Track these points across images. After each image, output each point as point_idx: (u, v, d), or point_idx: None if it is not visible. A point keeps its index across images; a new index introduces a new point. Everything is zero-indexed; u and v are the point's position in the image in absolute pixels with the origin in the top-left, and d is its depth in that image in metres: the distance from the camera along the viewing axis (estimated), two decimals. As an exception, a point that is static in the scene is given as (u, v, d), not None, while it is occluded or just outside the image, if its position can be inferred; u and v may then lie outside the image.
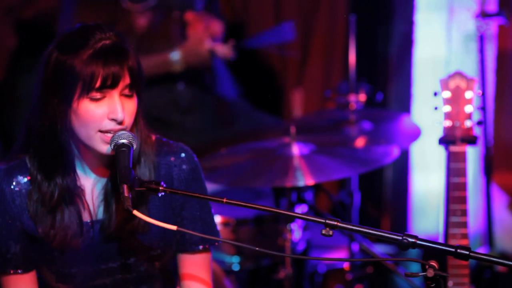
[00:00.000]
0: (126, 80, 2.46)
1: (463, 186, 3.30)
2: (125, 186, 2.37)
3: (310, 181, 3.50)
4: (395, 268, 3.92)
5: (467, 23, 4.91)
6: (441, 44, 4.97)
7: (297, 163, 3.57)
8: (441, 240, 3.47)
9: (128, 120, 2.48)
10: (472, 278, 3.57)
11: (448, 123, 3.35)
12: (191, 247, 2.70)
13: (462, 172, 3.30)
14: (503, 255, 4.90)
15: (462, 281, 3.25)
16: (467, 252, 2.25)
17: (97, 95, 2.44)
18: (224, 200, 2.37)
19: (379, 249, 4.62)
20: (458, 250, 2.25)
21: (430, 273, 2.23)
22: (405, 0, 5.10)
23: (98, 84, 2.42)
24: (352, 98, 4.28)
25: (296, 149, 3.66)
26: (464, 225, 3.28)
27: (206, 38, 4.64)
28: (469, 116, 3.35)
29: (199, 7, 4.86)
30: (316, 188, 4.03)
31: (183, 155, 2.68)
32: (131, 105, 2.49)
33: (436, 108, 3.38)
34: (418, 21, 5.04)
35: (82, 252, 2.61)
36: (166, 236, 2.67)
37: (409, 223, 5.16)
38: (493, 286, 4.38)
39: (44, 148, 2.53)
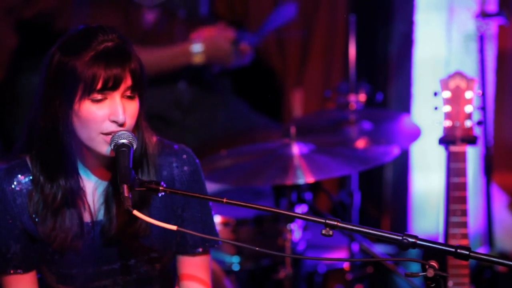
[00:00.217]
0: (128, 82, 2.46)
1: (463, 186, 3.30)
2: (125, 186, 2.37)
3: (310, 179, 3.50)
4: (395, 268, 3.92)
5: (467, 23, 4.91)
6: (441, 44, 4.97)
7: (297, 162, 3.57)
8: (441, 240, 3.47)
9: (130, 122, 2.48)
10: (472, 278, 3.57)
11: (448, 123, 3.35)
12: (191, 249, 2.70)
13: (462, 172, 3.30)
14: (503, 255, 4.90)
15: (462, 281, 3.25)
16: (467, 252, 2.25)
17: (99, 96, 2.44)
18: (224, 200, 2.37)
19: (379, 249, 4.62)
20: (458, 250, 2.25)
21: (430, 273, 2.23)
22: (405, 0, 5.10)
23: (99, 85, 2.42)
24: (352, 98, 4.28)
25: (296, 149, 3.66)
26: (464, 225, 3.28)
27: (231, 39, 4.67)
28: (469, 116, 3.35)
29: (203, 8, 4.87)
30: (316, 188, 4.03)
31: (184, 156, 2.68)
32: (133, 107, 2.49)
33: (436, 108, 3.38)
34: (418, 21, 5.03)
35: (83, 253, 2.61)
36: (167, 238, 2.67)
37: (409, 223, 5.16)
38: (493, 286, 4.38)
39: (46, 150, 2.53)
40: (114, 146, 2.44)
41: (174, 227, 2.35)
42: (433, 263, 2.24)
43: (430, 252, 2.29)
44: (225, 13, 5.24)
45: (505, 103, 5.06)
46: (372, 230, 2.30)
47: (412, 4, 5.03)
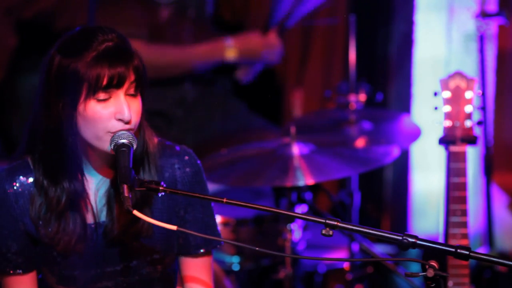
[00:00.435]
0: (131, 79, 2.47)
1: (463, 186, 3.30)
2: (125, 186, 2.37)
3: (310, 181, 3.50)
4: (395, 268, 3.92)
5: (467, 23, 4.90)
6: (441, 44, 4.97)
7: (297, 163, 3.57)
8: (441, 240, 3.47)
9: (135, 119, 2.48)
10: (472, 278, 3.57)
11: (448, 123, 3.35)
12: (194, 250, 2.70)
13: (462, 172, 3.30)
14: (503, 255, 4.90)
15: (462, 281, 3.25)
16: (467, 252, 2.25)
17: (104, 95, 2.44)
18: (224, 200, 2.37)
19: (379, 249, 4.62)
20: (458, 250, 2.25)
21: (430, 273, 2.23)
22: (405, 0, 5.10)
23: (104, 83, 2.42)
24: (352, 98, 4.28)
25: (296, 149, 3.66)
26: (464, 225, 3.28)
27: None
28: (469, 116, 3.35)
29: (209, 7, 4.88)
30: (316, 188, 4.02)
31: (186, 158, 2.68)
32: (137, 104, 2.49)
33: (436, 108, 3.38)
34: (418, 21, 5.03)
35: (86, 255, 2.61)
36: (169, 239, 2.67)
37: (409, 223, 5.16)
38: (493, 286, 4.38)
39: (50, 153, 2.52)
40: (114, 146, 2.44)
41: (174, 227, 2.36)
42: (433, 263, 2.24)
43: (430, 252, 2.29)
44: (225, 14, 5.24)
45: (505, 103, 5.06)
46: (372, 230, 2.30)
47: (412, 4, 5.03)
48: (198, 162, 2.70)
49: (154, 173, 2.60)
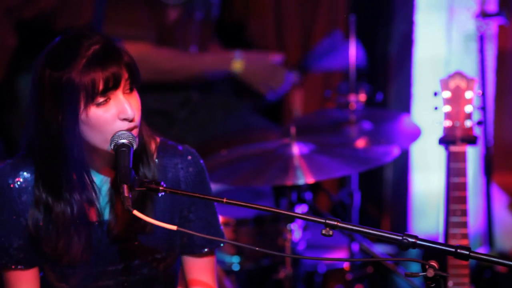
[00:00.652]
0: (126, 77, 2.46)
1: (463, 186, 3.29)
2: (125, 186, 2.37)
3: (311, 180, 3.50)
4: (395, 268, 3.91)
5: (467, 23, 4.90)
6: (441, 44, 4.97)
7: (297, 162, 3.57)
8: (441, 240, 3.47)
9: (137, 116, 2.48)
10: (472, 278, 3.57)
11: (448, 123, 3.35)
12: (198, 249, 2.71)
13: (462, 172, 3.30)
14: (503, 255, 4.90)
15: (462, 281, 3.25)
16: (467, 252, 2.25)
17: (102, 99, 2.43)
18: (224, 200, 2.37)
19: (379, 249, 4.62)
20: (458, 250, 2.25)
21: (430, 273, 2.23)
22: (405, 0, 5.10)
23: (101, 87, 2.41)
24: (352, 98, 4.28)
25: (296, 149, 3.66)
26: (464, 225, 3.28)
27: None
28: (469, 116, 3.35)
29: (215, 10, 4.89)
30: (316, 188, 4.03)
31: (189, 157, 2.68)
32: (135, 100, 2.49)
33: (436, 108, 3.38)
34: (418, 21, 5.03)
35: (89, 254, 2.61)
36: (171, 239, 2.67)
37: (409, 223, 5.16)
38: (493, 286, 4.39)
39: (53, 169, 2.50)
40: (114, 146, 2.44)
41: (174, 227, 2.35)
42: (433, 263, 2.24)
43: (430, 252, 2.29)
44: (225, 16, 5.24)
45: (505, 103, 5.06)
46: (372, 230, 2.30)
47: (412, 4, 5.03)
48: (201, 161, 2.70)
49: (153, 169, 2.60)
